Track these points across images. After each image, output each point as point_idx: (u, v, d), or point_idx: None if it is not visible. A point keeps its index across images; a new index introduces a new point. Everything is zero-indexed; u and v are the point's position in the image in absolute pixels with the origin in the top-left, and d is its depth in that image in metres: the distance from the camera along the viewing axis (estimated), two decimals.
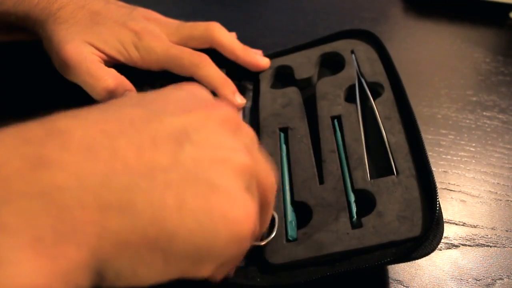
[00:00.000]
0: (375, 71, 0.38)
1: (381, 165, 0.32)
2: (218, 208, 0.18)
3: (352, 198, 0.31)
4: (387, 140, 0.33)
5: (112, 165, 0.16)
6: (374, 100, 0.36)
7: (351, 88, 0.38)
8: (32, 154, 0.15)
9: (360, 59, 0.39)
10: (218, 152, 0.19)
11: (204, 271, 0.18)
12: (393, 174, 0.31)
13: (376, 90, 0.37)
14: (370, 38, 0.40)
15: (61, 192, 0.15)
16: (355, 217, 0.30)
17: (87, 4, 0.40)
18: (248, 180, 0.20)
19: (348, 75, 0.39)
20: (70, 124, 0.17)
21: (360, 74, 0.38)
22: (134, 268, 0.17)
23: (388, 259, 0.27)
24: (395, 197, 0.30)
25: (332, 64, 0.41)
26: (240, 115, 0.30)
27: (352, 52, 0.40)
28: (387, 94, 0.36)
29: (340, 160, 0.34)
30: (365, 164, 0.32)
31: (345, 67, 0.39)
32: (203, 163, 0.18)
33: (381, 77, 0.37)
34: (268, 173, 0.22)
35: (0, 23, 0.41)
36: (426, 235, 0.27)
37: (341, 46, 0.41)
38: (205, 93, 0.23)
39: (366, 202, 0.31)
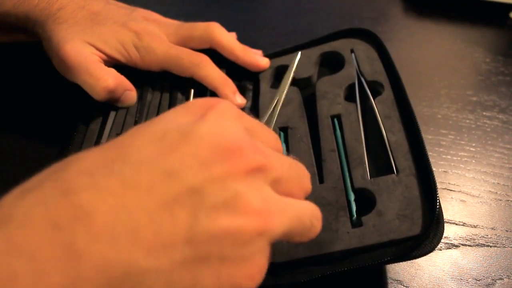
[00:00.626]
0: (374, 70, 0.38)
1: (381, 164, 0.32)
2: (228, 278, 0.19)
3: (352, 197, 0.31)
4: (387, 139, 0.33)
5: (134, 251, 0.17)
6: (374, 99, 0.36)
7: (351, 87, 0.38)
8: (63, 243, 0.16)
9: (359, 58, 0.39)
10: (231, 222, 0.18)
11: None
12: (393, 173, 0.31)
13: (376, 89, 0.37)
14: (369, 37, 0.40)
15: (90, 285, 0.16)
16: (355, 216, 0.30)
17: (87, 5, 0.40)
18: (261, 241, 0.20)
19: (348, 74, 0.39)
20: (93, 201, 0.17)
21: (359, 73, 0.38)
22: None
23: (388, 258, 0.27)
24: (395, 195, 0.30)
25: (331, 63, 0.41)
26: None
27: (352, 51, 0.40)
28: (387, 93, 0.36)
29: (340, 159, 0.34)
30: (365, 163, 0.32)
31: (345, 66, 0.39)
32: (216, 238, 0.18)
33: (381, 76, 0.37)
34: (292, 216, 0.21)
35: (0, 24, 0.41)
36: (426, 234, 0.27)
37: (340, 45, 0.41)
38: (233, 125, 0.21)
39: (366, 201, 0.31)
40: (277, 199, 0.21)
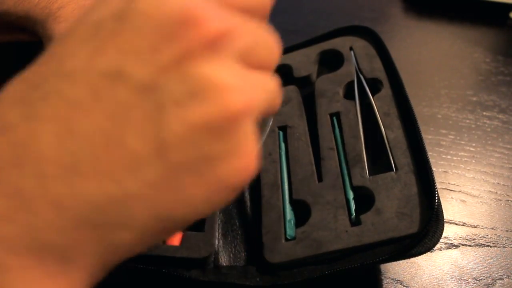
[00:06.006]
0: (373, 67, 0.38)
1: (380, 161, 0.32)
2: (218, 179, 0.16)
3: (351, 195, 0.31)
4: (386, 136, 0.33)
5: (96, 183, 0.14)
6: (373, 96, 0.36)
7: (350, 85, 0.38)
8: (8, 192, 0.14)
9: (358, 55, 0.39)
10: (203, 113, 0.15)
11: None
12: (392, 170, 0.31)
13: (375, 86, 0.37)
14: (368, 34, 0.40)
15: (55, 230, 0.14)
16: (354, 214, 0.30)
17: (87, 4, 0.40)
18: (244, 125, 0.16)
19: (347, 71, 0.38)
20: (34, 135, 0.15)
21: (358, 70, 0.38)
22: None
23: (388, 256, 0.27)
24: (394, 193, 0.30)
25: (331, 61, 0.41)
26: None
27: (351, 48, 0.40)
28: (386, 90, 0.36)
29: (339, 157, 0.33)
30: (363, 161, 0.32)
31: (344, 64, 0.39)
32: (190, 139, 0.15)
33: (380, 73, 0.37)
34: (267, 90, 0.17)
35: (1, 23, 0.42)
36: (425, 231, 0.26)
37: (339, 43, 0.41)
38: None
39: (365, 199, 0.31)
40: (249, 74, 0.16)
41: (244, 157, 0.16)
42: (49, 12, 0.39)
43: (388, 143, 0.32)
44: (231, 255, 0.32)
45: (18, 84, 0.15)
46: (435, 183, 0.28)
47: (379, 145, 0.33)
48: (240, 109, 0.15)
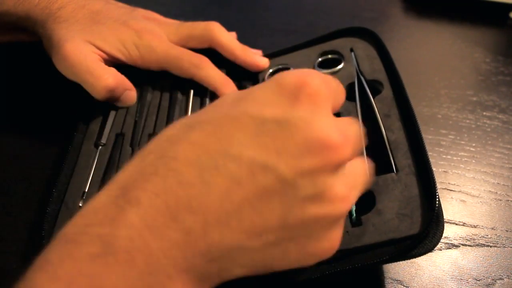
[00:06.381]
0: (374, 68, 0.38)
1: (380, 162, 0.32)
2: (312, 250, 0.23)
3: None
4: (387, 138, 0.33)
5: (238, 236, 0.21)
6: (373, 97, 0.36)
7: (350, 86, 0.38)
8: (182, 228, 0.20)
9: (359, 57, 0.39)
10: (320, 210, 0.21)
11: None
12: (393, 171, 0.31)
13: (376, 88, 0.37)
14: (369, 35, 0.40)
15: (199, 256, 0.21)
16: (355, 215, 0.30)
17: (87, 4, 0.40)
18: (342, 220, 0.24)
19: (348, 73, 0.39)
20: (204, 195, 0.21)
21: (359, 72, 0.38)
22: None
23: (388, 257, 0.27)
24: (395, 194, 0.30)
25: (331, 62, 0.41)
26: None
27: (351, 50, 0.40)
28: (387, 91, 0.36)
29: None
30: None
31: (344, 65, 0.39)
32: (305, 223, 0.21)
33: (380, 75, 0.37)
34: (363, 185, 0.25)
35: (1, 23, 0.42)
36: (426, 232, 0.27)
37: (340, 44, 0.41)
38: (327, 117, 0.22)
39: (366, 200, 0.31)
40: (353, 178, 0.24)
41: (334, 240, 0.23)
42: (49, 12, 0.39)
43: (389, 145, 0.32)
44: None
45: (190, 147, 0.21)
46: (435, 185, 0.28)
47: (380, 146, 0.33)
48: (342, 213, 0.22)
